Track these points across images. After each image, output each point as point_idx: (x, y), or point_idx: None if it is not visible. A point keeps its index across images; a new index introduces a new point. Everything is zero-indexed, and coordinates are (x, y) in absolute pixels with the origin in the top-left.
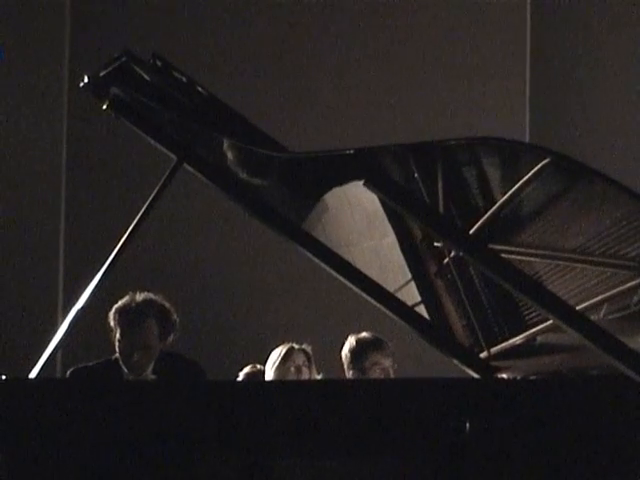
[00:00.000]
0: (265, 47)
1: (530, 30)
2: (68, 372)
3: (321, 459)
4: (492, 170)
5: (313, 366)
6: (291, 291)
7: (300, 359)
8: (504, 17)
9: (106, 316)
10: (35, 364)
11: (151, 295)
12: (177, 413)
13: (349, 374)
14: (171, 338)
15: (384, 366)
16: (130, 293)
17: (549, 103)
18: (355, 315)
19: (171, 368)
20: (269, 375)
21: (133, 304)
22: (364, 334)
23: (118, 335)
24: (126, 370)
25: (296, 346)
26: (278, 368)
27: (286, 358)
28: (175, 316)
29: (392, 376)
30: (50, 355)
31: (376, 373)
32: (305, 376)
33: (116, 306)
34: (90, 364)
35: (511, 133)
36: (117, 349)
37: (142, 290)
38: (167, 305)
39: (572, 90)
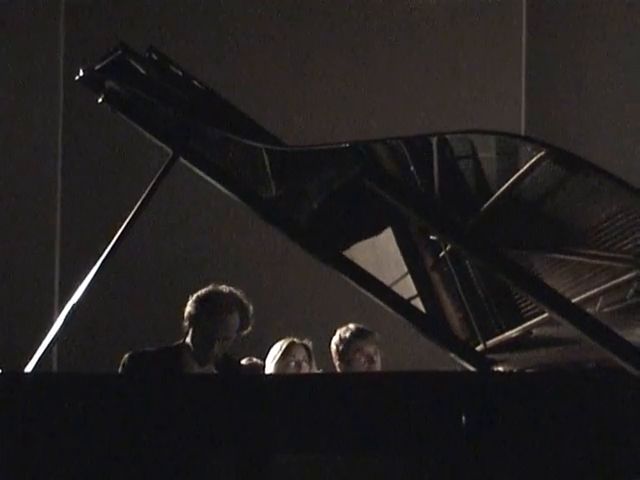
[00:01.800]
0: (261, 41)
1: (526, 24)
2: (126, 355)
3: (317, 453)
4: (488, 163)
5: (313, 361)
6: (291, 286)
7: (300, 354)
8: (500, 11)
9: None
10: (31, 358)
11: (232, 288)
12: (175, 406)
13: (336, 365)
14: (244, 333)
15: (367, 352)
16: (212, 284)
17: (544, 98)
18: (355, 309)
19: (227, 365)
20: (269, 369)
21: (221, 296)
22: (349, 325)
23: (199, 324)
24: (195, 358)
25: (297, 341)
26: (278, 363)
27: (286, 353)
28: (252, 313)
29: (378, 363)
30: (46, 349)
31: (360, 361)
32: (305, 371)
33: (199, 295)
34: (149, 349)
35: (506, 127)
36: (193, 337)
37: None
38: (245, 301)
39: (567, 84)
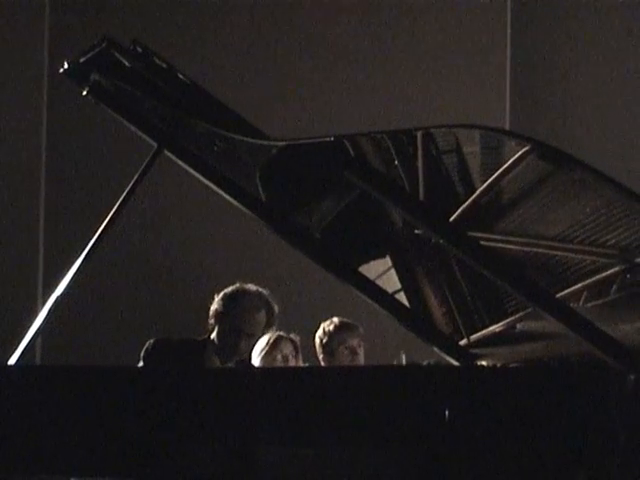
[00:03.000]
0: (248, 34)
1: (510, 19)
2: (149, 342)
3: (302, 446)
4: (472, 157)
5: (300, 355)
6: (277, 280)
7: (287, 348)
8: (484, 6)
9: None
10: (15, 351)
11: (259, 287)
12: (160, 399)
13: (320, 358)
14: (268, 332)
15: (350, 345)
16: (238, 283)
17: (529, 93)
18: (339, 303)
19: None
20: (256, 363)
21: (248, 294)
22: (333, 319)
23: (226, 321)
24: (219, 355)
25: (284, 335)
26: (265, 357)
27: (273, 347)
28: (277, 312)
29: (361, 356)
30: (29, 342)
31: (344, 354)
32: (292, 365)
33: (226, 292)
34: (174, 338)
35: (491, 122)
36: (218, 334)
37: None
38: (271, 299)
39: (552, 79)
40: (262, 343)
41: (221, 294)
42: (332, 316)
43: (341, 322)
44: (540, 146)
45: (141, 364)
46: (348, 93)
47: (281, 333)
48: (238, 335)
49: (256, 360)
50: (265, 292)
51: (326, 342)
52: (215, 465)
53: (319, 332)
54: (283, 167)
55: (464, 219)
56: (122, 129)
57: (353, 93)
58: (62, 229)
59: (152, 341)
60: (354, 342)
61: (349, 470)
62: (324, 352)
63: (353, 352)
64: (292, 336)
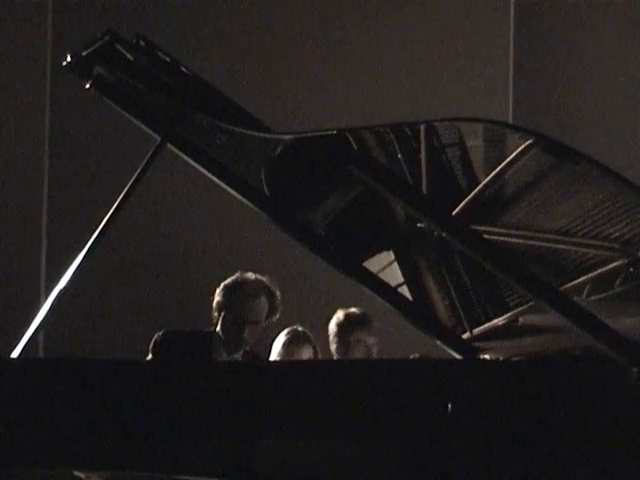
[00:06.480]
0: (250, 28)
1: (514, 10)
2: (158, 334)
3: (304, 439)
4: (476, 150)
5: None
6: (281, 273)
7: (307, 354)
8: (488, 0)
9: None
10: (17, 344)
11: (259, 275)
12: (163, 391)
13: (332, 347)
14: (273, 320)
15: (367, 343)
16: (239, 272)
17: (532, 86)
18: (343, 295)
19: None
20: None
21: (247, 281)
22: (352, 309)
23: (228, 311)
24: (225, 347)
25: (307, 334)
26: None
27: (294, 351)
28: (279, 298)
29: (374, 354)
30: (32, 336)
31: (360, 351)
32: None
33: (226, 283)
34: (185, 330)
35: (494, 115)
36: (222, 324)
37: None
38: (272, 287)
39: (555, 72)
40: (281, 341)
41: (221, 286)
42: (332, 308)
43: (362, 317)
44: (543, 139)
45: (150, 356)
46: (351, 87)
47: (305, 331)
48: (242, 324)
49: (275, 356)
50: (264, 279)
51: (344, 335)
52: (221, 458)
53: (337, 320)
54: (287, 161)
55: (467, 212)
56: (125, 122)
57: (356, 87)
58: (65, 222)
59: (160, 333)
60: (371, 340)
61: (351, 464)
62: (339, 343)
63: (368, 351)
64: (312, 339)
